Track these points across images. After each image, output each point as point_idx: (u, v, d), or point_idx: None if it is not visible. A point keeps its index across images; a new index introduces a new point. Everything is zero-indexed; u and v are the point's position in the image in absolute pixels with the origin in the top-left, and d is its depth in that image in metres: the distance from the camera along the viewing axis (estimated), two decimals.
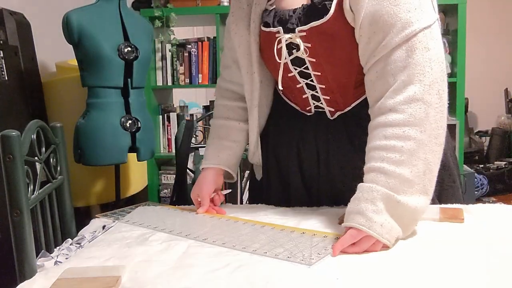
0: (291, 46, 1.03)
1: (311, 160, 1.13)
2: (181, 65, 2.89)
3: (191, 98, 3.87)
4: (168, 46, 2.85)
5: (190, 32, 3.75)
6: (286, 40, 1.01)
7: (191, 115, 3.05)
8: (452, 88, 2.73)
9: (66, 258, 0.91)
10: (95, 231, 1.06)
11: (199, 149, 1.94)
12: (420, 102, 0.87)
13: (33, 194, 0.99)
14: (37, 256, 0.92)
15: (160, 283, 0.73)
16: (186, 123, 1.94)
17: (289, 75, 1.07)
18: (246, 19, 1.10)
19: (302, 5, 1.01)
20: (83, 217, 2.28)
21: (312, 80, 1.06)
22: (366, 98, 1.01)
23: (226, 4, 2.80)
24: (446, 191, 1.15)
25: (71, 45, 1.87)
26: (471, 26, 2.83)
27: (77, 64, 1.91)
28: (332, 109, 1.10)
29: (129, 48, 1.89)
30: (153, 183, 2.91)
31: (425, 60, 0.89)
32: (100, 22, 1.85)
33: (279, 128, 1.17)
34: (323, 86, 1.06)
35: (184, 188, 1.87)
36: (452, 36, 2.79)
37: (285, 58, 1.04)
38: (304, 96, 1.10)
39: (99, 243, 0.96)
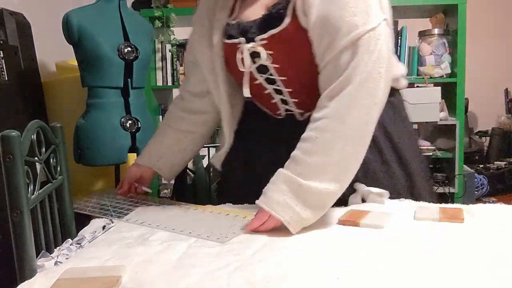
0: (254, 55, 1.08)
1: (283, 162, 1.14)
2: (181, 65, 2.89)
3: None
4: (168, 46, 2.85)
5: (190, 32, 3.74)
6: (248, 49, 1.06)
7: None
8: (452, 88, 2.73)
9: (66, 258, 0.91)
10: (95, 231, 1.06)
11: None
12: (346, 98, 0.94)
13: (33, 194, 0.99)
14: (37, 256, 0.92)
15: (160, 283, 0.73)
16: None
17: (256, 82, 1.12)
18: (207, 35, 1.16)
19: (262, 15, 1.07)
20: (83, 217, 2.28)
21: (278, 85, 1.11)
22: None
23: None
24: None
25: (71, 45, 1.87)
26: (471, 26, 2.83)
27: (77, 64, 1.91)
28: (302, 111, 1.15)
29: (129, 48, 1.89)
30: (153, 183, 2.90)
31: (364, 61, 0.94)
32: (100, 22, 1.85)
33: (251, 134, 1.22)
34: (290, 90, 1.11)
35: (184, 188, 1.87)
36: (452, 36, 2.79)
37: (250, 67, 1.09)
38: (273, 101, 1.15)
39: (99, 243, 0.96)
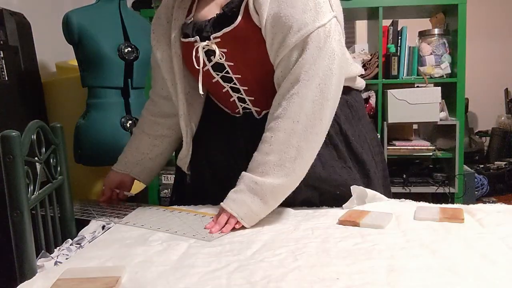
0: (210, 53, 1.10)
1: (242, 159, 1.16)
2: None
3: None
4: None
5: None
6: (203, 48, 1.09)
7: None
8: (452, 88, 2.73)
9: (66, 259, 0.91)
10: (95, 232, 1.06)
11: None
12: (296, 96, 0.97)
13: (33, 194, 0.99)
14: (37, 256, 0.92)
15: (160, 283, 0.73)
16: None
17: (213, 80, 1.15)
18: (166, 35, 1.17)
19: (216, 14, 1.09)
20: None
21: (235, 83, 1.13)
22: None
23: None
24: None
25: (71, 45, 1.86)
26: (471, 26, 2.83)
27: (77, 64, 1.91)
28: (258, 109, 1.17)
29: (129, 49, 1.89)
30: (153, 183, 2.91)
31: (313, 58, 0.97)
32: (100, 22, 1.85)
33: (210, 133, 1.24)
34: (246, 88, 1.13)
35: (184, 189, 1.87)
36: (452, 36, 2.79)
37: (206, 65, 1.11)
38: (231, 100, 1.18)
39: (99, 243, 0.96)
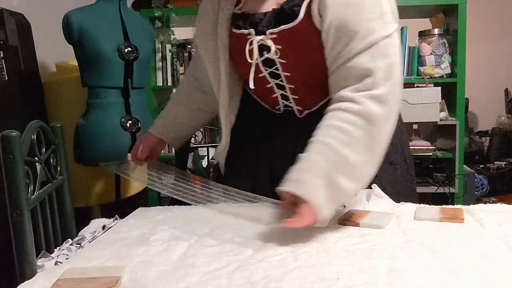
0: (262, 48, 1.08)
1: (279, 156, 1.18)
2: (181, 65, 2.88)
3: None
4: (168, 46, 2.85)
5: (190, 32, 3.74)
6: (257, 42, 1.07)
7: None
8: (452, 88, 2.73)
9: (66, 259, 0.91)
10: (95, 231, 1.06)
11: (199, 149, 1.94)
12: (379, 101, 0.94)
13: (33, 194, 0.99)
14: (37, 256, 0.92)
15: (160, 283, 0.73)
16: None
17: (260, 75, 1.12)
18: (212, 24, 1.15)
19: (272, 9, 1.07)
20: (83, 217, 2.28)
21: (282, 80, 1.12)
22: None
23: None
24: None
25: (71, 45, 1.86)
26: (471, 26, 2.83)
27: (77, 64, 1.90)
28: (301, 108, 1.16)
29: (129, 48, 1.89)
30: None
31: (386, 65, 0.96)
32: (100, 22, 1.85)
33: (248, 126, 1.23)
34: (292, 86, 1.12)
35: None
36: (452, 36, 2.79)
37: (256, 59, 1.09)
38: (274, 96, 1.16)
39: (99, 243, 0.96)
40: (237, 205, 1.11)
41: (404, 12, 2.88)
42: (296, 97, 1.14)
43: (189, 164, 2.11)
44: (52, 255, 0.94)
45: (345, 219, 0.99)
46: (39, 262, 0.90)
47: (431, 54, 2.77)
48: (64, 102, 2.10)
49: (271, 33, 1.05)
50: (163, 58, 2.88)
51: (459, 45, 2.67)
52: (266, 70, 1.11)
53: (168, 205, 1.25)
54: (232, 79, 1.19)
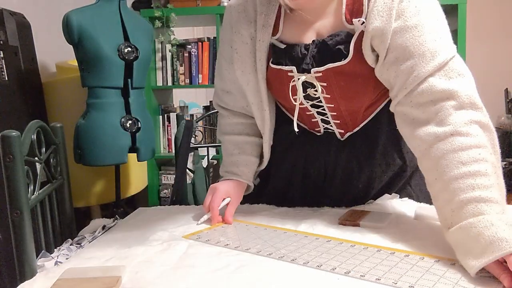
0: (306, 85, 1.01)
1: (317, 176, 1.14)
2: (181, 65, 2.89)
3: (191, 98, 3.88)
4: (168, 46, 2.85)
5: (190, 32, 3.75)
6: (299, 78, 0.99)
7: (191, 115, 3.06)
8: None
9: (67, 259, 0.91)
10: (95, 231, 1.06)
11: (199, 149, 1.94)
12: (478, 125, 0.83)
13: (33, 194, 0.99)
14: (37, 256, 0.92)
15: (161, 283, 0.73)
16: (185, 123, 1.94)
17: (301, 106, 1.05)
18: (251, 56, 1.05)
19: (313, 41, 0.98)
20: (83, 217, 2.28)
21: (323, 109, 1.06)
22: (374, 117, 1.07)
23: (226, 4, 2.80)
24: None
25: (71, 45, 1.87)
26: (471, 26, 2.83)
27: (77, 64, 1.91)
28: (342, 131, 1.10)
29: (129, 49, 1.89)
30: (153, 183, 2.91)
31: (465, 85, 0.86)
32: (100, 22, 1.85)
33: (286, 146, 1.17)
34: (334, 114, 1.06)
35: (184, 188, 1.87)
36: (452, 36, 2.78)
37: (301, 96, 1.02)
38: (313, 120, 1.10)
39: (99, 243, 0.96)
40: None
41: None
42: (338, 121, 1.08)
43: (189, 164, 2.11)
44: (52, 255, 0.94)
45: (345, 219, 0.99)
46: (39, 262, 0.90)
47: None
48: (64, 102, 2.11)
49: (316, 72, 0.97)
50: (163, 58, 2.88)
51: (459, 45, 2.67)
52: (308, 102, 1.04)
53: (168, 205, 1.25)
54: (273, 109, 1.12)
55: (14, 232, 0.89)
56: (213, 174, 2.99)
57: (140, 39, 1.96)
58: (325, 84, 0.99)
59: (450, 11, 2.79)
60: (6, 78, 1.83)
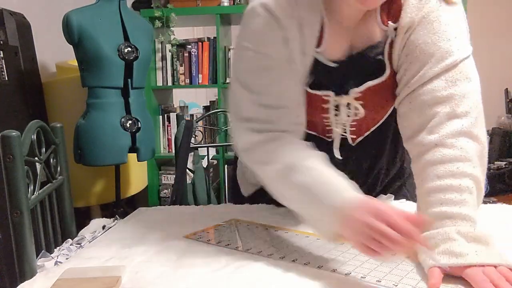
0: (339, 105, 0.93)
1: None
2: (181, 65, 2.89)
3: (191, 98, 3.88)
4: (168, 46, 2.85)
5: (190, 32, 3.75)
6: (336, 101, 0.92)
7: (191, 115, 3.06)
8: None
9: (67, 259, 0.91)
10: (95, 231, 1.06)
11: (199, 149, 1.93)
12: (468, 137, 0.81)
13: (33, 194, 0.99)
14: (37, 256, 0.92)
15: (160, 283, 0.73)
16: (185, 123, 1.94)
17: (323, 115, 0.96)
18: (298, 72, 0.90)
19: (350, 56, 0.89)
20: (83, 217, 2.28)
21: (344, 121, 0.98)
22: (383, 122, 1.00)
23: (226, 4, 2.80)
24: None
25: (71, 45, 1.87)
26: (471, 26, 2.82)
27: (77, 64, 1.91)
28: (354, 136, 1.03)
29: (129, 49, 1.89)
30: (153, 183, 2.91)
31: (468, 91, 0.83)
32: (100, 22, 1.85)
33: None
34: (355, 123, 0.98)
35: (184, 188, 1.87)
36: None
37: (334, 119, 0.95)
38: (328, 128, 1.00)
39: (99, 243, 0.96)
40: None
41: None
42: (353, 129, 1.00)
43: (189, 164, 2.11)
44: (52, 255, 0.94)
45: None
46: (39, 262, 0.90)
47: None
48: (64, 102, 2.11)
49: (355, 92, 0.90)
50: (163, 58, 2.88)
51: None
52: (334, 117, 0.96)
53: (168, 205, 1.25)
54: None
55: (14, 232, 0.89)
56: (213, 174, 2.99)
57: (140, 39, 1.96)
58: (362, 103, 0.92)
59: None
60: (6, 78, 1.83)
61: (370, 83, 0.89)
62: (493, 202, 3.09)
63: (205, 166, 2.11)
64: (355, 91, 0.90)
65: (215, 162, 2.96)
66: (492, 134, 4.38)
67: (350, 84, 0.90)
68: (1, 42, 1.81)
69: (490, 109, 4.67)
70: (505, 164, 3.88)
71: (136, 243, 0.93)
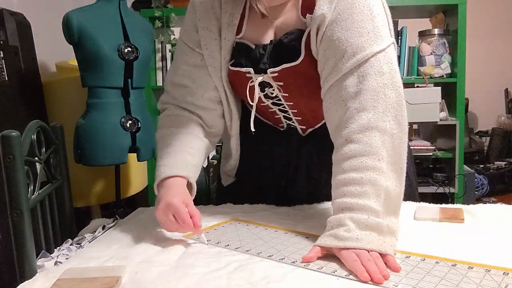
0: (264, 85, 1.03)
1: (282, 169, 1.17)
2: None
3: None
4: (168, 46, 2.85)
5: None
6: (257, 79, 1.01)
7: None
8: (452, 88, 2.73)
9: (66, 259, 0.91)
10: (95, 231, 1.06)
11: None
12: (375, 130, 0.84)
13: (33, 194, 0.99)
14: (37, 256, 0.92)
15: (160, 283, 0.73)
16: None
17: (262, 104, 1.09)
18: (218, 52, 1.05)
19: (271, 41, 1.01)
20: (83, 217, 2.28)
21: (284, 107, 1.08)
22: None
23: None
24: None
25: (71, 45, 1.87)
26: (471, 26, 2.83)
27: (77, 64, 1.91)
28: (304, 127, 1.13)
29: (129, 49, 1.89)
30: (153, 183, 2.90)
31: (378, 85, 0.86)
32: (100, 22, 1.85)
33: (253, 141, 1.18)
34: (295, 111, 1.09)
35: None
36: (452, 36, 2.79)
37: (258, 95, 1.04)
38: (276, 116, 1.13)
39: (99, 243, 0.96)
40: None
41: (404, 12, 2.88)
42: (299, 118, 1.11)
43: None
44: (52, 255, 0.94)
45: None
46: (39, 262, 0.90)
47: (431, 54, 2.77)
48: (64, 102, 2.11)
49: (272, 72, 1.00)
50: (163, 58, 2.88)
51: (459, 45, 2.67)
52: (268, 100, 1.08)
53: None
54: (238, 106, 1.13)
55: (14, 232, 0.89)
56: (213, 174, 2.99)
57: (140, 39, 1.96)
58: (281, 84, 1.01)
59: (450, 11, 2.79)
60: (6, 78, 1.83)
61: (285, 65, 0.98)
62: (493, 202, 3.10)
63: (205, 166, 2.11)
64: (272, 70, 0.99)
65: (215, 162, 2.96)
66: (492, 134, 4.38)
67: (268, 64, 1.00)
68: (1, 42, 1.81)
69: (490, 109, 4.69)
70: (505, 164, 3.89)
71: (136, 243, 0.93)
